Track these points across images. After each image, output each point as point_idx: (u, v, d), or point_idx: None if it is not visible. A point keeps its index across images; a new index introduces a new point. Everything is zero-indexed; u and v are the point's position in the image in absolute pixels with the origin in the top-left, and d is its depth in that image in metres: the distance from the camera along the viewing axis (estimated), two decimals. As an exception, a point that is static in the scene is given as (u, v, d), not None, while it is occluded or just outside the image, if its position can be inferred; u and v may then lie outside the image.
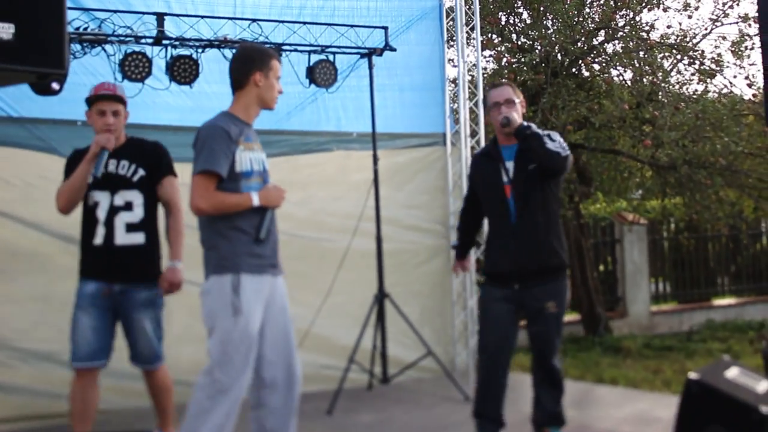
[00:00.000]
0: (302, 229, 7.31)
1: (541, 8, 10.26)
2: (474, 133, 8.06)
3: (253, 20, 6.73)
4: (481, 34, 9.00)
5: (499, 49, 10.52)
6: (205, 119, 4.10)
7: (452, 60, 8.64)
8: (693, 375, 3.40)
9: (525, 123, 4.67)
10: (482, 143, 7.80)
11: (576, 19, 10.03)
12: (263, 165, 4.19)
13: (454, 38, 8.15)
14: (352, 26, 7.12)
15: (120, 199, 4.70)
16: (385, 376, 6.87)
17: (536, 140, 4.58)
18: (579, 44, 10.13)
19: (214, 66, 6.52)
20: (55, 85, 5.41)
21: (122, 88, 4.88)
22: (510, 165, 4.73)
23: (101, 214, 4.68)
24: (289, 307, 4.20)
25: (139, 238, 4.72)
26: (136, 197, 4.73)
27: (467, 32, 8.13)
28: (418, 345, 7.02)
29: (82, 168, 4.59)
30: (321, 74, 6.87)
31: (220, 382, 3.88)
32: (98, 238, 4.67)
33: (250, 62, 4.10)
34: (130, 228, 4.69)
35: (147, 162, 4.78)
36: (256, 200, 4.01)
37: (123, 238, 4.67)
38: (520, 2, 10.63)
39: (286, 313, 4.17)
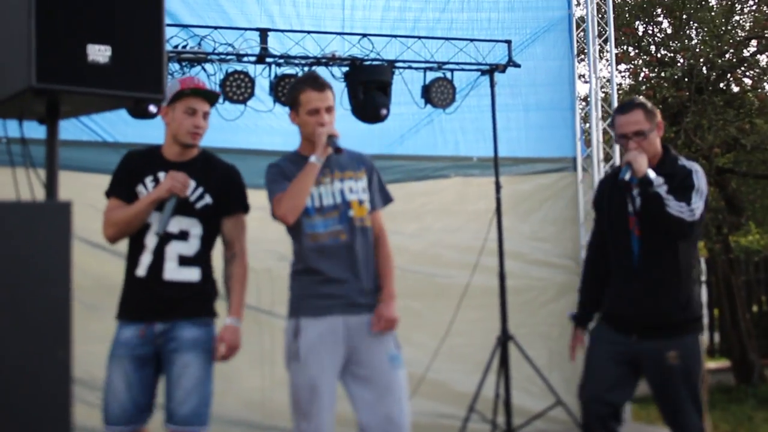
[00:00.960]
0: (416, 264, 7.23)
1: (684, 16, 10.13)
2: (608, 157, 7.86)
3: (363, 35, 6.71)
4: (616, 47, 8.81)
5: (636, 62, 10.44)
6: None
7: (583, 76, 8.62)
8: None
9: (650, 176, 4.19)
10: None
11: (723, 28, 9.86)
12: (340, 197, 4.12)
13: (586, 51, 8.05)
14: (471, 40, 7.04)
15: (175, 225, 4.07)
16: (509, 427, 6.71)
17: (655, 202, 4.18)
18: (727, 56, 9.94)
19: (322, 86, 6.49)
20: (152, 109, 5.41)
21: None
22: (637, 193, 4.36)
23: (150, 239, 4.09)
24: (391, 347, 4.11)
25: (193, 274, 4.11)
26: (194, 227, 4.12)
27: (600, 44, 8.02)
28: (546, 393, 6.85)
29: (144, 204, 4.04)
30: (437, 93, 6.80)
31: (298, 428, 4.01)
32: (141, 269, 4.09)
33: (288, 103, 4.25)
34: (183, 261, 4.09)
35: (216, 189, 4.18)
36: (312, 158, 4.00)
37: (173, 272, 4.06)
38: (659, 10, 10.45)
39: (382, 354, 4.08)
